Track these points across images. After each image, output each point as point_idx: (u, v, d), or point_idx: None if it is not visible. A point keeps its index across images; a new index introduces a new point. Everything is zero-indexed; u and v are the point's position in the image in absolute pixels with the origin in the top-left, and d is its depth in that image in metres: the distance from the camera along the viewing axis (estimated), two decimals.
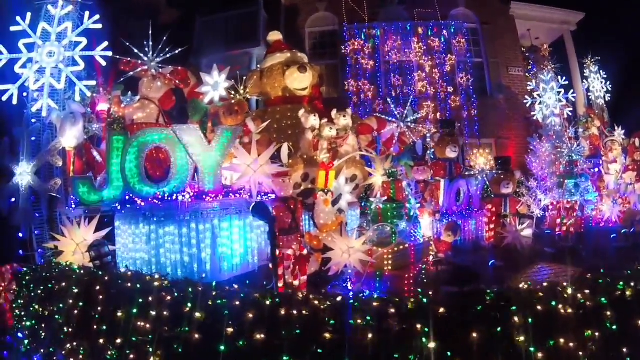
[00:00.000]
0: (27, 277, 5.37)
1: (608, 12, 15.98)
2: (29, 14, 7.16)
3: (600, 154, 11.13)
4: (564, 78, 12.86)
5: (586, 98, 14.69)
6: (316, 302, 3.24)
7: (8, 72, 7.12)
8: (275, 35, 9.05)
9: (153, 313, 3.62)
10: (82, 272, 4.69)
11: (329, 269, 5.60)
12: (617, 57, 14.64)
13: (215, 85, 7.09)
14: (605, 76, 14.59)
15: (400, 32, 13.63)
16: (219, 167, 5.53)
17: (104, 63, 7.13)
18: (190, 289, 3.59)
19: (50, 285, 4.80)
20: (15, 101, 6.97)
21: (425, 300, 3.16)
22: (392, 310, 3.07)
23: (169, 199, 5.23)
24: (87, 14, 7.31)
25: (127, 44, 6.67)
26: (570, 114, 12.60)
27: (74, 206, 5.80)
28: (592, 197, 8.92)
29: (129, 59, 6.72)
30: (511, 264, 6.53)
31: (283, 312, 3.22)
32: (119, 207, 5.57)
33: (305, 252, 5.51)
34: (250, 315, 3.25)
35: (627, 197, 9.46)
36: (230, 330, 3.25)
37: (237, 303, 3.34)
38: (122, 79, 7.04)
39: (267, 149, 5.46)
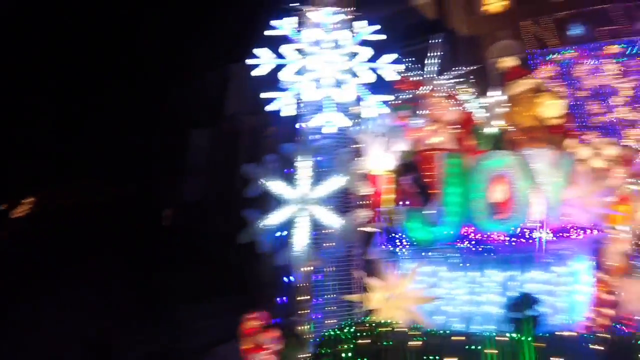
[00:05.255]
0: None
1: None
2: (286, 20, 6.35)
3: None
4: None
5: None
6: None
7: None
8: (511, 61, 8.38)
9: None
10: None
11: None
12: None
13: (491, 109, 6.98)
14: None
15: (591, 55, 12.90)
16: (561, 199, 4.97)
17: (396, 78, 6.27)
18: None
19: None
20: (290, 113, 5.99)
21: None
22: None
23: (523, 237, 4.65)
24: (364, 23, 6.45)
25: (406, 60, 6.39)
26: None
27: (402, 245, 4.85)
28: None
29: (407, 75, 6.44)
30: None
31: None
32: (464, 246, 4.74)
33: None
34: None
35: None
36: None
37: None
38: (400, 98, 6.56)
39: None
